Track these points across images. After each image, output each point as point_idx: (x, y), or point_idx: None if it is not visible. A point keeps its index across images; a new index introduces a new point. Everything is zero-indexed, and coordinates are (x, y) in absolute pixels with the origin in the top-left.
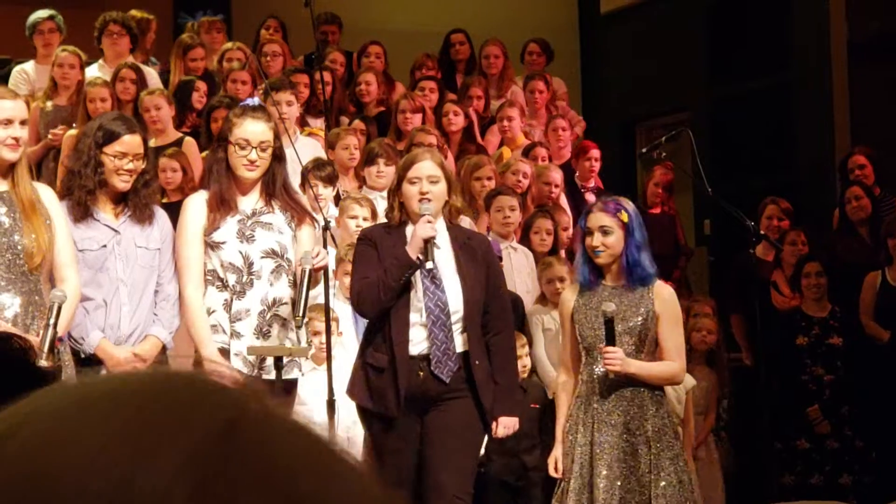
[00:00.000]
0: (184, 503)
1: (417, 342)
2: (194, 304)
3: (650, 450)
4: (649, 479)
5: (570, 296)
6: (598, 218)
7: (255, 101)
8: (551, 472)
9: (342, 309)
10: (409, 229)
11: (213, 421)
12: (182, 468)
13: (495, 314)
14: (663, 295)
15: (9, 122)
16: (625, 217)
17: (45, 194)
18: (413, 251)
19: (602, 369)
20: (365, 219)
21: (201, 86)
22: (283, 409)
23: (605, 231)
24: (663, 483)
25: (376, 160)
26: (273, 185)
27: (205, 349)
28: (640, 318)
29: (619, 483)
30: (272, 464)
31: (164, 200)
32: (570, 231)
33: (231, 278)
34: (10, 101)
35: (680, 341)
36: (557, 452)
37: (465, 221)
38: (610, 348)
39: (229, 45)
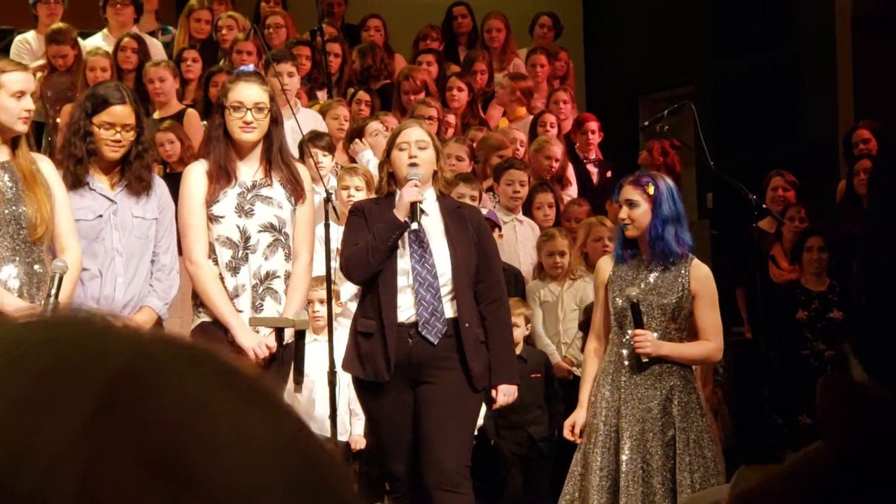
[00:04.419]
0: (76, 485)
1: (406, 308)
2: (207, 273)
3: (676, 426)
4: (675, 454)
5: (607, 264)
6: (626, 191)
7: (250, 67)
8: (567, 434)
9: (345, 282)
10: (398, 198)
11: (96, 381)
12: (73, 441)
13: (489, 283)
14: (699, 274)
15: (21, 94)
16: (650, 190)
17: (44, 165)
18: (401, 213)
19: (631, 344)
20: (357, 188)
21: (189, 55)
22: (182, 349)
23: (631, 204)
24: (688, 459)
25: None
26: (271, 151)
27: (228, 320)
28: (674, 296)
29: (642, 457)
30: (157, 429)
31: (168, 171)
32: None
33: (226, 254)
34: (21, 73)
35: (716, 320)
36: (578, 416)
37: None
38: (639, 331)
39: (225, 14)
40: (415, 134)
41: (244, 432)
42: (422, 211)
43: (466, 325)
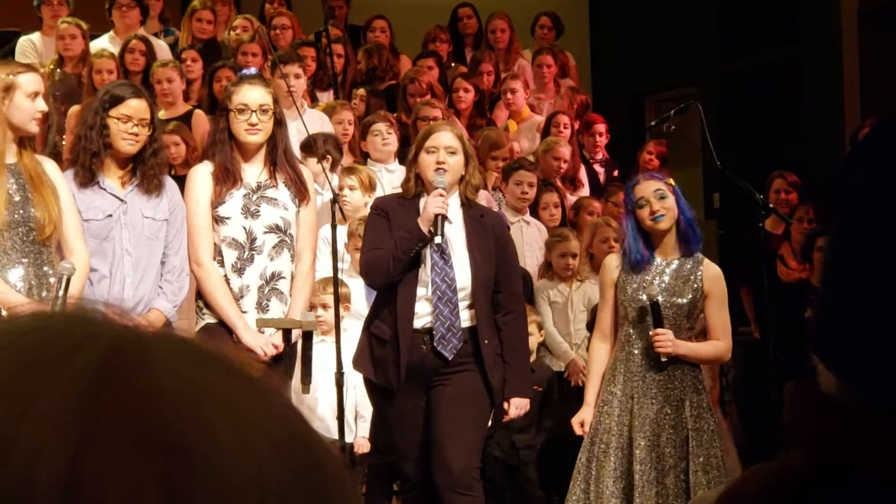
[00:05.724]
0: (63, 468)
1: (423, 315)
2: (213, 275)
3: (689, 426)
4: (687, 454)
5: (614, 263)
6: (652, 184)
7: (253, 70)
8: (577, 430)
9: (353, 283)
10: (422, 201)
11: (84, 364)
12: (61, 424)
13: (507, 293)
14: (711, 274)
15: (36, 94)
16: (671, 182)
17: (48, 166)
18: (424, 225)
19: (644, 343)
20: (351, 188)
21: (188, 55)
22: (171, 335)
23: (660, 195)
24: (701, 459)
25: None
26: (275, 152)
27: (234, 321)
28: (688, 296)
29: (656, 456)
30: (150, 411)
31: (173, 174)
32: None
33: (232, 255)
34: (34, 74)
35: (726, 320)
36: (586, 414)
37: (482, 196)
38: (660, 331)
39: (239, 17)
40: (445, 139)
41: (239, 413)
42: (445, 218)
43: (486, 341)
